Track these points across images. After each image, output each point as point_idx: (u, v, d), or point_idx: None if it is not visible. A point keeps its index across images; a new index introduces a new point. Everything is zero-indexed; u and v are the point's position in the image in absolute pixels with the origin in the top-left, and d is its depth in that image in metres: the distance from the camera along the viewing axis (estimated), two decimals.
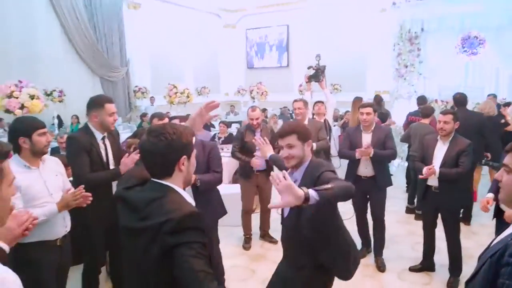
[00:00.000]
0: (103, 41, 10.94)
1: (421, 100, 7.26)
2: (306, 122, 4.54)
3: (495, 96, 8.18)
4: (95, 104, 2.79)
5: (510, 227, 1.38)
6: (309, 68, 5.32)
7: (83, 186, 2.40)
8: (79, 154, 2.70)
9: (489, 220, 4.97)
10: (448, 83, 11.79)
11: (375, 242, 4.06)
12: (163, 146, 1.43)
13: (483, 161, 4.50)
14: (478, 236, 4.69)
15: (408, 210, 5.58)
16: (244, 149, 4.37)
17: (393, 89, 12.47)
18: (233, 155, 4.46)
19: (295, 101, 4.72)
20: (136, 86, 11.79)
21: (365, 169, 3.91)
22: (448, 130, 3.47)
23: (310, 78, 5.20)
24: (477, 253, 4.29)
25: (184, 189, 1.53)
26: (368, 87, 12.98)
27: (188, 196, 1.51)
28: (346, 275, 2.25)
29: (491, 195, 2.96)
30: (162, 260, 1.33)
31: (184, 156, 1.49)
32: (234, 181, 6.11)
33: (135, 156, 2.71)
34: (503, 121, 5.86)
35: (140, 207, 1.41)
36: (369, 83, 13.06)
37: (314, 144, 4.27)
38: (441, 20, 11.58)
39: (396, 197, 5.94)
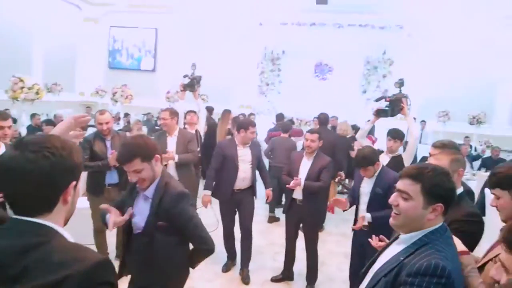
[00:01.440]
0: None
1: (279, 117, 7.99)
2: (176, 132, 4.37)
3: (336, 118, 9.38)
4: None
5: (395, 245, 1.49)
6: (185, 76, 5.20)
7: None
8: None
9: (335, 228, 5.60)
10: (303, 103, 13.07)
11: (243, 254, 4.09)
12: (48, 165, 1.00)
13: (336, 179, 5.04)
14: (328, 243, 5.19)
15: (271, 219, 5.85)
16: (93, 160, 3.81)
17: (254, 105, 13.19)
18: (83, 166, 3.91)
19: (162, 110, 4.52)
20: None
21: (242, 182, 3.97)
22: (313, 148, 3.77)
23: (186, 87, 5.07)
24: (327, 260, 4.72)
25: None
26: (234, 100, 13.43)
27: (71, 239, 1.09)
28: None
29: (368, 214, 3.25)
30: None
31: (74, 182, 1.08)
32: None
33: None
34: (353, 145, 6.56)
35: (4, 262, 0.94)
36: (235, 96, 13.52)
37: (176, 156, 4.13)
38: (299, 46, 12.82)
39: (257, 207, 6.18)
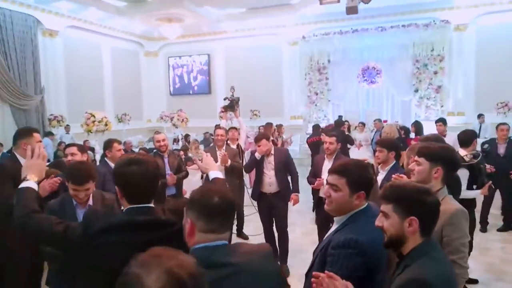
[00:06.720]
0: (15, 68, 10.52)
1: (316, 127, 8.33)
2: (223, 147, 5.01)
3: (380, 120, 9.49)
4: (24, 133, 3.01)
5: (333, 225, 1.81)
6: (225, 99, 5.85)
7: None
8: (3, 182, 2.80)
9: None
10: (353, 108, 13.20)
11: (281, 251, 4.54)
12: (153, 173, 1.68)
13: None
14: None
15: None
16: None
17: (305, 114, 13.57)
18: None
19: (218, 128, 5.14)
20: (51, 115, 11.38)
21: (269, 187, 4.43)
22: (332, 150, 4.14)
23: (226, 108, 5.71)
24: None
25: None
26: (285, 112, 13.95)
27: None
28: None
29: None
30: None
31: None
32: None
33: (53, 180, 2.80)
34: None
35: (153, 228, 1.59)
36: (286, 109, 14.05)
37: (229, 161, 4.76)
38: (344, 53, 13.04)
39: (303, 211, 6.58)
